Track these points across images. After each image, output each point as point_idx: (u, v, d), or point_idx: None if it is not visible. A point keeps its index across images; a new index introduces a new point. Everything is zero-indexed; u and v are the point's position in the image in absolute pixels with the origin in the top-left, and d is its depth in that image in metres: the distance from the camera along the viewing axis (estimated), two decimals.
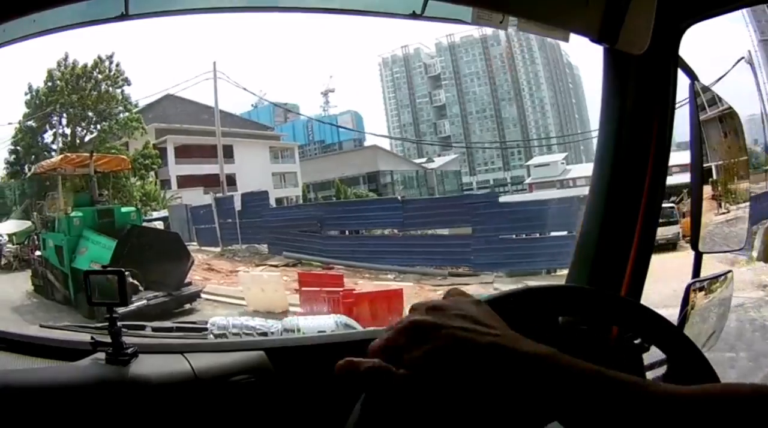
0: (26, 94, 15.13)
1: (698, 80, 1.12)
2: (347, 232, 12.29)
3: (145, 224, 10.15)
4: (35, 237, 10.37)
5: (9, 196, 17.20)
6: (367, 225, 12.03)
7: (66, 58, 14.58)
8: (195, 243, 12.27)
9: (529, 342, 0.44)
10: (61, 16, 1.03)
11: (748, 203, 1.20)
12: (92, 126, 15.32)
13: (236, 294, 8.52)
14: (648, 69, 1.07)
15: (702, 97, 1.12)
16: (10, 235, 12.45)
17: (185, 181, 16.05)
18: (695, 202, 1.12)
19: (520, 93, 26.41)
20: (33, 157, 15.31)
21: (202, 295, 8.30)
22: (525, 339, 0.44)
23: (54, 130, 15.49)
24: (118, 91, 15.28)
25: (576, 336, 1.08)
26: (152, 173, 15.24)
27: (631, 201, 1.13)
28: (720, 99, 1.17)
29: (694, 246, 1.12)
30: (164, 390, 0.92)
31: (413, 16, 1.17)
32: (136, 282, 7.07)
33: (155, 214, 13.62)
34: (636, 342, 0.81)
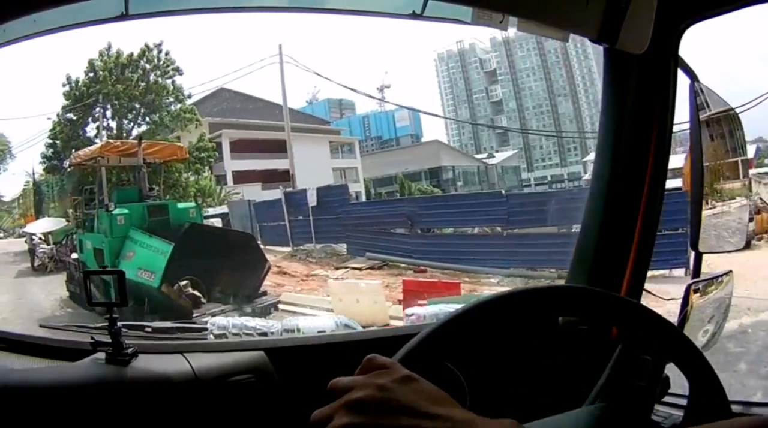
0: (64, 85, 13.94)
1: (698, 80, 1.12)
2: (428, 231, 10.63)
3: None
4: (73, 237, 9.22)
5: (46, 193, 16.37)
6: (468, 223, 10.30)
7: (109, 48, 13.51)
8: (259, 243, 10.56)
9: (486, 421, 0.42)
10: (61, 16, 1.03)
11: (735, 202, 1.20)
12: (140, 118, 14.17)
13: (318, 304, 6.99)
14: (648, 69, 1.07)
15: (701, 97, 1.12)
16: (45, 235, 11.51)
17: (242, 177, 15.14)
18: (695, 202, 1.12)
19: (575, 88, 26.26)
20: (72, 150, 13.75)
21: (279, 306, 6.79)
22: (479, 420, 0.42)
23: (97, 122, 14.30)
24: (168, 81, 14.09)
25: (576, 336, 1.08)
26: (206, 168, 14.04)
27: (631, 201, 1.13)
28: (719, 100, 1.17)
29: (694, 246, 1.11)
30: (164, 390, 0.91)
31: (413, 16, 1.17)
32: (197, 293, 6.17)
33: (211, 211, 12.11)
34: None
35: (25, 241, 11.67)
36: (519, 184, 21.74)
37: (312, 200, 11.16)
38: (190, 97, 14.16)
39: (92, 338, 0.95)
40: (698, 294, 1.08)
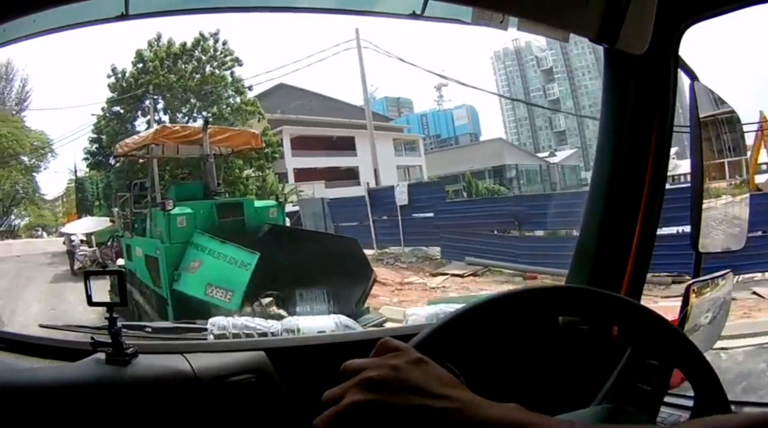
0: (109, 76, 12.81)
1: (698, 80, 1.12)
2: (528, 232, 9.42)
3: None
4: (119, 239, 7.95)
5: (90, 191, 15.35)
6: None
7: (158, 38, 12.50)
8: None
9: (491, 404, 0.43)
10: (61, 16, 1.03)
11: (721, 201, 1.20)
12: (196, 111, 12.96)
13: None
14: (648, 69, 1.07)
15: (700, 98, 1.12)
16: (87, 235, 10.48)
17: (302, 175, 14.22)
18: (695, 202, 1.12)
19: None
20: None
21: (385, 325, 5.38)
22: (485, 402, 0.43)
23: (147, 116, 13.18)
24: (227, 72, 12.89)
25: (576, 337, 1.08)
26: (270, 164, 12.82)
27: (631, 201, 1.13)
28: (719, 101, 1.17)
29: (694, 246, 1.12)
30: (164, 391, 0.91)
31: (413, 16, 1.17)
32: (282, 312, 4.63)
33: None
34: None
35: (64, 242, 10.73)
36: (578, 184, 21.14)
37: (402, 198, 9.91)
38: (250, 88, 13.09)
39: (92, 338, 0.95)
40: (698, 294, 1.09)
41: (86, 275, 0.96)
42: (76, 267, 9.30)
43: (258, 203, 6.42)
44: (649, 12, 0.97)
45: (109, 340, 0.93)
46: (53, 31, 1.06)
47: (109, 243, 9.34)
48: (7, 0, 0.80)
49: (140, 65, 12.70)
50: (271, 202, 6.59)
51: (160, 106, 13.02)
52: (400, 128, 19.69)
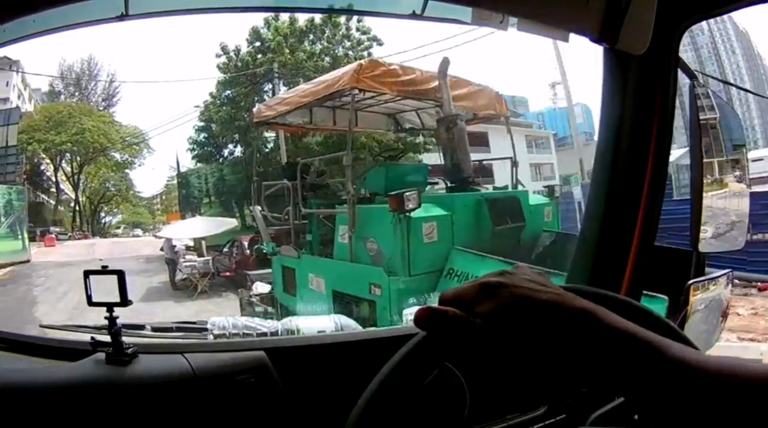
0: (219, 55, 10.95)
1: (698, 80, 1.12)
2: None
3: None
4: (239, 243, 6.94)
5: (196, 186, 13.23)
6: None
7: (277, 16, 10.78)
8: None
9: (582, 300, 0.48)
10: (61, 16, 1.03)
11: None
12: None
13: None
14: (648, 69, 1.07)
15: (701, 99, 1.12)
16: (196, 241, 8.56)
17: (436, 171, 13.06)
18: (695, 202, 1.12)
19: (727, 85, 25.99)
20: (236, 133, 10.91)
21: None
22: (579, 298, 0.48)
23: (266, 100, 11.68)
24: (364, 53, 11.06)
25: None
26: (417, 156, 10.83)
27: (631, 201, 1.13)
28: (718, 101, 1.17)
29: (694, 246, 1.12)
30: (164, 390, 0.92)
31: (413, 16, 1.17)
32: None
33: None
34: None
35: (162, 249, 8.78)
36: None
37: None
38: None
39: (92, 338, 0.95)
40: (698, 294, 1.09)
41: (86, 274, 0.96)
42: (178, 278, 7.63)
43: (532, 199, 4.38)
44: (649, 12, 0.97)
45: (109, 340, 0.93)
46: (53, 31, 1.06)
47: (225, 250, 7.81)
48: (7, 0, 0.80)
49: (257, 44, 10.95)
50: (543, 199, 4.56)
51: (283, 87, 10.80)
52: (529, 124, 18.34)
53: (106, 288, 0.93)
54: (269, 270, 5.11)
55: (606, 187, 1.16)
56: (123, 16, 1.08)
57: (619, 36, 0.99)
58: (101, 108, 15.80)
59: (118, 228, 17.27)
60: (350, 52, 11.05)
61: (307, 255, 4.40)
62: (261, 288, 5.19)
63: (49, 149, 14.48)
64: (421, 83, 4.36)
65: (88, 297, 0.96)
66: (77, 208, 16.12)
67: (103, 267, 0.93)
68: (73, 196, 16.08)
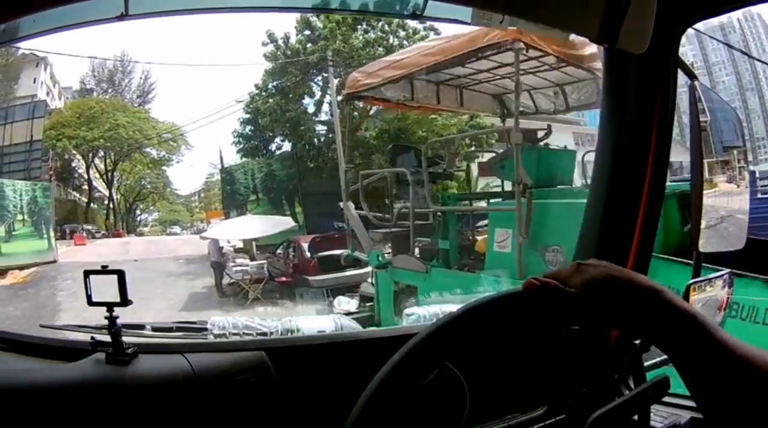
0: (266, 44, 10.11)
1: (698, 80, 1.12)
2: None
3: None
4: (297, 244, 6.03)
5: (242, 182, 11.98)
6: None
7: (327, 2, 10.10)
8: None
9: (651, 280, 0.57)
10: (61, 16, 1.03)
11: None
12: None
13: None
14: (648, 69, 1.07)
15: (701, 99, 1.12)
16: (246, 242, 7.68)
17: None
18: (696, 202, 1.12)
19: (758, 82, 25.67)
20: (287, 126, 9.92)
21: None
22: (648, 278, 0.57)
23: (322, 94, 10.08)
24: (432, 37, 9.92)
25: (575, 337, 1.08)
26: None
27: (631, 201, 1.13)
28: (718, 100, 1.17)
29: (694, 246, 1.12)
30: (164, 390, 0.92)
31: (413, 16, 1.17)
32: None
33: None
34: (636, 342, 0.81)
35: (209, 254, 7.50)
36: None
37: None
38: None
39: (92, 338, 0.95)
40: (698, 294, 1.09)
41: (86, 274, 0.96)
42: (225, 283, 6.57)
43: None
44: (649, 12, 0.97)
45: (109, 340, 0.93)
46: (53, 31, 1.06)
47: (279, 252, 6.83)
48: (7, 0, 0.80)
49: (307, 32, 10.21)
50: None
51: (335, 79, 9.76)
52: (577, 121, 17.59)
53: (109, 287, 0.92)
54: (334, 276, 4.62)
55: (606, 187, 1.16)
56: (123, 16, 1.08)
57: (619, 36, 0.99)
58: (136, 105, 15.35)
59: (146, 226, 16.29)
60: (405, 42, 10.10)
61: (439, 267, 3.36)
62: (345, 304, 4.19)
63: (80, 146, 14.12)
64: (580, 47, 3.49)
65: (88, 297, 0.96)
66: (111, 205, 15.76)
67: (103, 267, 0.93)
68: (107, 194, 15.71)
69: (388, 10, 1.23)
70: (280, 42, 10.25)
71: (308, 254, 7.14)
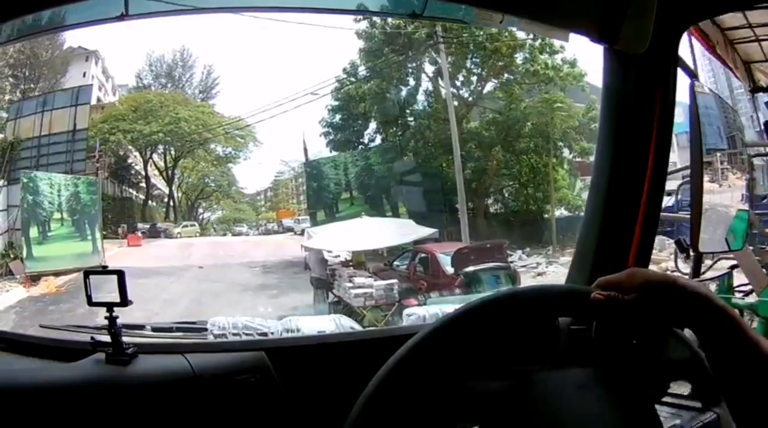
0: (357, 20, 8.10)
1: (698, 80, 1.12)
2: None
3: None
4: (431, 255, 4.80)
5: (332, 177, 10.09)
6: None
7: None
8: None
9: (700, 284, 0.66)
10: (61, 16, 1.03)
11: None
12: (485, 70, 8.62)
13: None
14: (648, 69, 1.07)
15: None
16: (355, 252, 5.64)
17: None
18: (695, 202, 1.12)
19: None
20: (389, 114, 8.67)
21: None
22: (698, 283, 0.67)
23: (435, 76, 8.48)
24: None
25: (575, 337, 1.08)
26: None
27: (632, 201, 1.13)
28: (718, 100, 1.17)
29: (694, 246, 1.11)
30: (164, 390, 0.91)
31: (413, 16, 1.17)
32: None
33: None
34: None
35: (309, 267, 5.57)
36: None
37: None
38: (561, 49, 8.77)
39: (92, 338, 0.95)
40: None
41: (85, 274, 0.96)
42: (331, 301, 4.92)
43: None
44: (649, 12, 0.97)
45: (109, 340, 0.93)
46: (53, 31, 1.06)
47: (400, 265, 5.29)
48: (7, 0, 0.80)
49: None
50: None
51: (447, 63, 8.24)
52: None
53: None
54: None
55: (606, 187, 1.17)
56: (123, 16, 1.08)
57: (619, 36, 0.99)
58: (198, 100, 14.30)
59: (221, 224, 15.13)
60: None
61: None
62: None
63: (136, 140, 13.08)
64: None
65: (88, 297, 0.96)
66: (171, 203, 14.82)
67: (103, 267, 0.93)
68: (167, 191, 14.81)
69: (388, 10, 1.23)
70: (377, 18, 8.50)
71: (449, 269, 5.47)
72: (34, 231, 9.87)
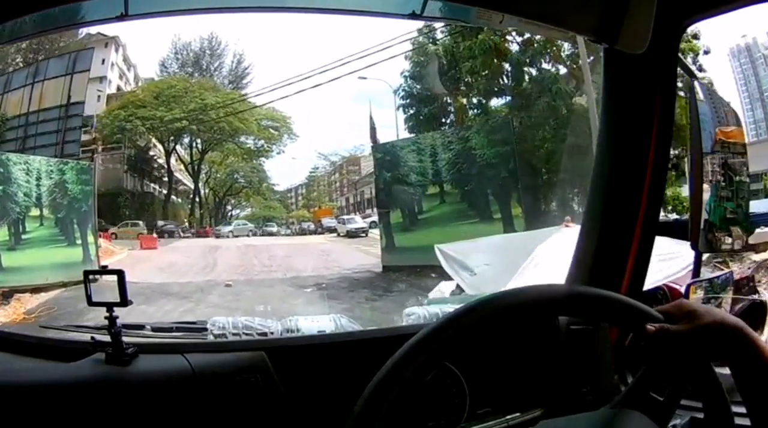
0: None
1: (698, 80, 1.12)
2: None
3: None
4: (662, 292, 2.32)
5: (411, 165, 7.77)
6: None
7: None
8: None
9: (738, 318, 0.69)
10: (61, 16, 1.03)
11: None
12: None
13: None
14: (648, 69, 1.07)
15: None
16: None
17: None
18: (695, 202, 1.12)
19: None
20: (495, 80, 6.88)
21: None
22: (736, 318, 0.69)
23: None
24: None
25: (574, 337, 1.08)
26: None
27: (631, 201, 1.13)
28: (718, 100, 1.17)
29: (694, 246, 1.12)
30: (164, 390, 0.92)
31: (413, 16, 1.17)
32: None
33: None
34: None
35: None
36: None
37: None
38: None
39: (92, 338, 0.95)
40: (698, 294, 1.09)
41: (85, 274, 0.96)
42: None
43: None
44: (649, 11, 0.97)
45: (109, 340, 0.93)
46: (53, 31, 1.06)
47: None
48: (7, 0, 0.80)
49: None
50: None
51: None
52: None
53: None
54: None
55: (606, 186, 1.17)
56: (123, 16, 1.08)
57: (619, 36, 0.99)
58: (228, 89, 13.00)
59: (236, 225, 13.74)
60: None
61: None
62: None
63: (156, 128, 11.55)
64: None
65: (88, 297, 0.96)
66: (197, 199, 13.45)
67: (103, 267, 0.93)
68: (192, 187, 13.45)
69: (387, 10, 1.23)
70: None
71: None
72: (2, 233, 7.30)
